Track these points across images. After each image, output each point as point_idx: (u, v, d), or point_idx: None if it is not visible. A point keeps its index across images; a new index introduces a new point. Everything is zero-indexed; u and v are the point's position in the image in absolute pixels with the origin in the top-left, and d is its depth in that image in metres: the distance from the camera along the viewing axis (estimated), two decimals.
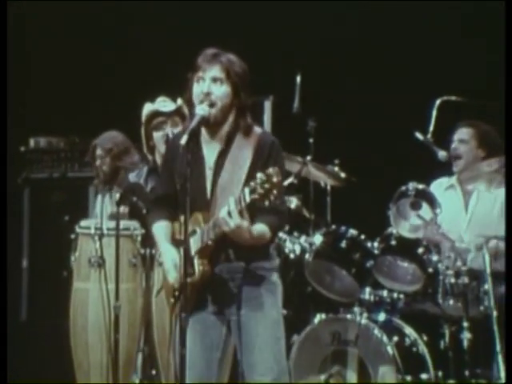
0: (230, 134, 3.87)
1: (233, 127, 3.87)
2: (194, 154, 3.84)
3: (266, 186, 3.54)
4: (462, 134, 5.54)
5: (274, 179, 3.53)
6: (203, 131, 3.87)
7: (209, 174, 3.89)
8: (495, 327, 4.87)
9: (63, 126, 6.82)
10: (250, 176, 3.75)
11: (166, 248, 3.91)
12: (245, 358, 3.88)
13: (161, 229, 3.98)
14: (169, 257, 3.89)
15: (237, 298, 3.87)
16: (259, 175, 3.55)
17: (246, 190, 3.60)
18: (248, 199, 3.60)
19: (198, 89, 3.82)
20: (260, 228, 3.79)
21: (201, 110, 3.77)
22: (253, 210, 3.76)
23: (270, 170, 3.54)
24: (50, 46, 6.88)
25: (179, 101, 4.88)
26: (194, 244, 3.83)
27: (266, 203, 3.58)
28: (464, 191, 5.58)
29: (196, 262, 3.83)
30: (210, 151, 3.89)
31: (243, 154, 3.84)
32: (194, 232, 3.83)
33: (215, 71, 3.80)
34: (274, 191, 3.56)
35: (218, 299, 3.90)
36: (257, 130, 3.92)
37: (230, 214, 3.65)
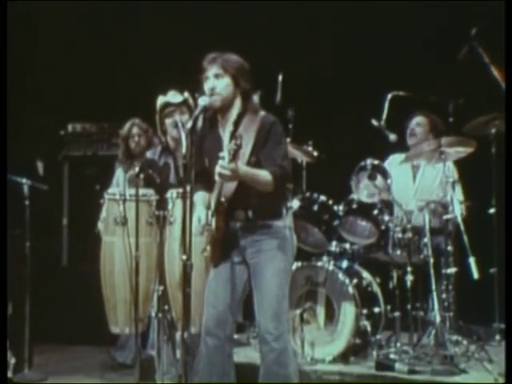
0: (239, 117, 3.91)
1: (241, 110, 3.92)
2: (213, 135, 3.93)
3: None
4: (419, 120, 5.65)
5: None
6: (219, 117, 3.94)
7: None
8: (431, 271, 4.95)
9: (95, 114, 6.85)
10: (254, 151, 3.83)
11: (197, 208, 3.91)
12: (255, 297, 3.91)
13: (199, 196, 3.98)
14: (196, 215, 3.89)
15: (254, 250, 3.90)
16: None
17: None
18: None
19: (206, 86, 3.89)
20: (262, 172, 3.78)
21: (202, 100, 3.83)
22: (260, 166, 3.80)
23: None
24: (80, 46, 6.91)
25: (186, 94, 4.91)
26: (212, 204, 3.88)
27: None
28: (413, 166, 5.68)
29: (214, 219, 3.87)
30: (225, 132, 3.95)
31: (249, 133, 3.86)
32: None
33: (215, 69, 3.89)
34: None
35: (241, 251, 3.93)
36: (261, 113, 3.96)
37: (222, 166, 3.64)
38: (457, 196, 5.16)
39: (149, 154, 5.11)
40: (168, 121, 4.97)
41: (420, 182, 5.68)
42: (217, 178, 3.73)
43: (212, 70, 3.89)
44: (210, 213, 3.89)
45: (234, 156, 3.59)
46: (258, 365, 3.98)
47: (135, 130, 5.69)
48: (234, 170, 3.64)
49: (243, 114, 3.91)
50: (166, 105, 4.96)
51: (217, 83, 3.87)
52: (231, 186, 3.85)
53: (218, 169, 3.67)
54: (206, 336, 3.92)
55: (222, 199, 3.84)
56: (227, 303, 3.94)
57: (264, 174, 3.80)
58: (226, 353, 3.94)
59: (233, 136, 3.85)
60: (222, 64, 3.88)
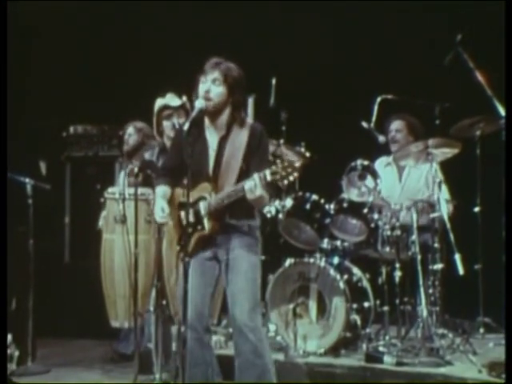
0: (228, 124, 3.91)
1: (230, 119, 3.91)
2: (198, 137, 3.91)
3: (289, 170, 3.58)
4: (397, 125, 5.65)
5: (297, 164, 3.59)
6: (206, 120, 3.93)
7: (211, 153, 3.92)
8: (419, 267, 4.95)
9: (96, 116, 6.84)
10: (246, 156, 3.84)
11: (158, 201, 3.99)
12: (229, 291, 3.93)
13: (160, 190, 4.04)
14: (158, 205, 3.97)
15: (228, 247, 3.92)
16: (279, 161, 3.60)
17: (267, 172, 3.62)
18: (269, 178, 3.62)
19: (201, 88, 3.88)
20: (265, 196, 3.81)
21: (199, 103, 3.84)
22: (244, 177, 3.80)
23: (295, 158, 3.63)
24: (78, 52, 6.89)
25: (184, 98, 4.91)
26: (204, 206, 3.87)
27: (285, 183, 3.63)
28: (398, 167, 5.69)
29: (206, 220, 3.87)
30: (211, 136, 3.94)
31: (240, 139, 3.88)
32: (204, 198, 3.88)
33: (215, 74, 3.86)
34: (295, 174, 3.61)
35: (214, 247, 3.95)
36: (249, 121, 3.98)
37: (255, 186, 3.67)
38: (443, 195, 5.17)
39: (147, 155, 5.11)
40: (166, 123, 4.98)
41: (406, 182, 5.68)
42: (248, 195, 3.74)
43: (212, 75, 3.87)
44: (205, 216, 3.88)
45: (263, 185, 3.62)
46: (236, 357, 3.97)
47: (130, 130, 5.68)
48: (260, 196, 3.70)
49: (232, 122, 3.92)
50: (165, 107, 4.97)
51: (213, 88, 3.86)
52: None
53: (248, 187, 3.69)
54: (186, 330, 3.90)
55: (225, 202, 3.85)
56: (202, 297, 3.94)
57: (264, 193, 3.81)
58: (204, 343, 3.96)
59: (222, 140, 3.88)
60: (223, 71, 3.87)
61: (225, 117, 3.91)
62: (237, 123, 3.91)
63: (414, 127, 5.63)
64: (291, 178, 3.59)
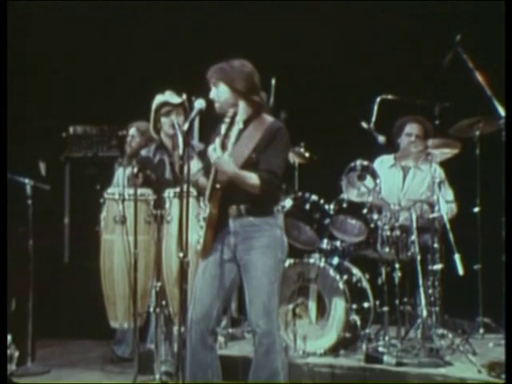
0: (247, 120, 3.89)
1: (251, 113, 3.92)
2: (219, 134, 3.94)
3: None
4: (415, 130, 5.60)
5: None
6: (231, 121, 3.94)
7: (229, 146, 3.86)
8: (418, 267, 4.95)
9: (95, 117, 6.82)
10: (257, 148, 3.84)
11: None
12: (246, 293, 3.89)
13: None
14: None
15: (247, 247, 3.88)
16: None
17: None
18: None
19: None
20: (250, 174, 3.79)
21: (198, 104, 3.82)
22: (252, 168, 3.79)
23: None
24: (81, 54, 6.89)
25: (183, 96, 4.90)
26: (207, 190, 3.88)
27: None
28: (403, 169, 5.69)
29: (207, 205, 3.85)
30: (232, 131, 3.88)
31: (254, 134, 3.88)
32: None
33: (213, 78, 3.93)
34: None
35: (231, 247, 3.90)
36: (269, 118, 3.96)
37: (214, 149, 3.70)
38: (446, 196, 5.17)
39: (144, 152, 5.09)
40: (164, 120, 4.95)
41: (409, 184, 5.68)
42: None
43: (211, 80, 3.94)
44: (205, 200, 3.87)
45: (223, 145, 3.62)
46: (252, 358, 3.98)
47: (131, 131, 5.68)
48: (220, 157, 3.71)
49: (253, 117, 3.92)
50: (164, 104, 4.94)
51: (216, 92, 3.91)
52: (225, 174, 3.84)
53: (209, 151, 3.73)
54: (191, 329, 3.90)
55: (217, 186, 3.83)
56: (213, 298, 3.91)
57: (253, 178, 3.81)
58: (207, 345, 3.92)
59: (240, 133, 3.85)
60: (217, 73, 3.92)
61: (243, 111, 3.88)
62: (258, 117, 3.92)
63: (428, 132, 5.56)
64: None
